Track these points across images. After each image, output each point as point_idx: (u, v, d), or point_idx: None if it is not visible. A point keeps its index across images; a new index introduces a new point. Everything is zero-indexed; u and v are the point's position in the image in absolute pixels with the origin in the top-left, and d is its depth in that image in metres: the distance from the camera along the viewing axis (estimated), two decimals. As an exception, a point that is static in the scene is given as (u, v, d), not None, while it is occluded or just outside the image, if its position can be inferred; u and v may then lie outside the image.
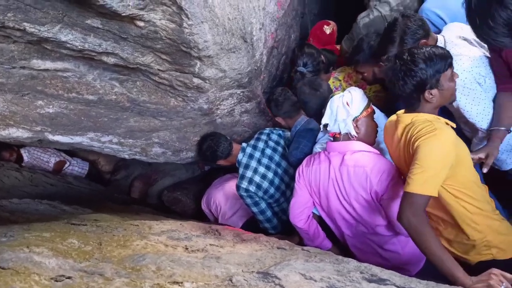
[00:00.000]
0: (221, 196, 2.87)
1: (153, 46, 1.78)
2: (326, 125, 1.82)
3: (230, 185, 2.85)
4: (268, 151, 2.62)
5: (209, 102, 2.34)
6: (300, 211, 1.95)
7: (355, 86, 2.58)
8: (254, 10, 2.13)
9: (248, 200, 2.52)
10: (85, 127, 2.26)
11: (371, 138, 1.82)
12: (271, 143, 2.66)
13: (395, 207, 1.65)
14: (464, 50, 1.88)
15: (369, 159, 1.72)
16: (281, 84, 3.11)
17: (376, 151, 1.81)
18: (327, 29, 2.85)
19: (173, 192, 3.55)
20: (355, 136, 1.76)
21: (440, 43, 1.96)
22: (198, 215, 3.27)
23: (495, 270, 1.32)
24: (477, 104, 1.84)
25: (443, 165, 1.45)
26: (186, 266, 1.23)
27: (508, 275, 1.31)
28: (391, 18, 2.45)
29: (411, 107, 1.63)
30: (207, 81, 2.12)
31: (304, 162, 1.94)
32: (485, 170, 1.77)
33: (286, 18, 2.85)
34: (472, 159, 1.69)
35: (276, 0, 2.58)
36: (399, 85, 1.56)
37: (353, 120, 1.75)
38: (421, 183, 1.42)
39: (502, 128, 1.83)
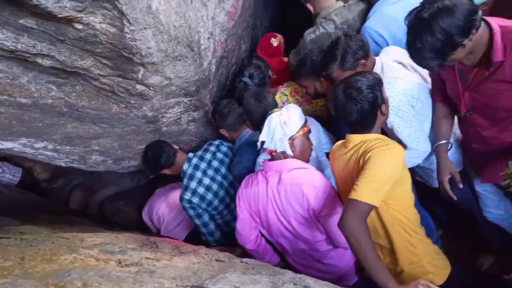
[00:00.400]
0: (164, 206, 2.79)
1: (93, 50, 1.70)
2: (263, 142, 1.83)
3: (174, 195, 2.78)
4: (215, 163, 2.60)
5: (154, 110, 2.29)
6: (247, 233, 1.95)
7: (302, 100, 2.64)
8: (202, 19, 2.12)
9: (191, 212, 2.47)
10: (16, 132, 2.10)
11: (305, 156, 1.86)
12: (219, 155, 2.64)
13: (333, 222, 1.69)
14: (399, 73, 1.98)
15: (305, 177, 1.75)
16: (230, 93, 3.11)
17: (312, 167, 1.85)
18: (274, 42, 2.90)
19: (116, 202, 3.40)
20: (291, 155, 1.79)
21: (378, 65, 2.06)
22: (142, 226, 3.15)
23: (422, 281, 1.40)
24: (409, 127, 1.93)
25: (390, 177, 1.51)
26: (115, 282, 1.17)
27: (433, 286, 1.39)
28: (335, 35, 2.55)
29: (363, 129, 1.68)
30: (151, 88, 2.07)
31: (243, 184, 1.94)
32: (461, 186, 1.88)
33: (236, 29, 2.87)
34: (444, 186, 1.84)
35: (227, 11, 2.59)
36: (357, 108, 1.61)
37: (289, 139, 1.77)
38: (370, 192, 1.45)
39: (443, 141, 1.96)
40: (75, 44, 1.66)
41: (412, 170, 2.23)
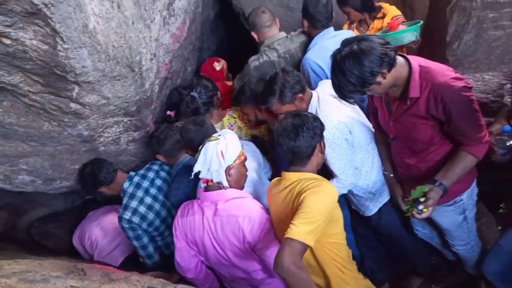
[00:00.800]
0: (98, 231, 2.64)
1: (22, 66, 1.62)
2: (198, 172, 1.77)
3: (109, 218, 2.66)
4: (158, 182, 2.54)
5: (90, 129, 2.21)
6: (187, 262, 1.89)
7: (250, 124, 2.66)
8: (144, 40, 2.11)
9: (130, 233, 2.38)
10: None
11: (241, 184, 1.83)
12: (162, 174, 2.58)
13: (269, 255, 1.69)
14: (334, 107, 2.07)
15: (241, 208, 1.72)
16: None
17: (249, 196, 1.83)
18: (217, 66, 2.93)
19: (46, 224, 3.16)
20: (227, 187, 1.75)
21: (314, 98, 2.14)
22: (75, 251, 2.96)
23: None
24: (340, 160, 2.02)
25: (325, 217, 1.53)
26: (30, 315, 1.09)
27: None
28: (278, 63, 2.64)
29: (300, 161, 1.71)
30: (87, 107, 2.00)
31: (179, 212, 1.89)
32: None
33: (182, 51, 2.89)
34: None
35: (172, 33, 2.59)
36: (302, 133, 1.65)
37: (226, 169, 1.73)
38: (306, 232, 1.45)
39: (386, 173, 2.16)
40: (2, 59, 1.58)
41: (347, 198, 2.32)
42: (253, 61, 2.66)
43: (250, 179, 2.04)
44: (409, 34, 2.57)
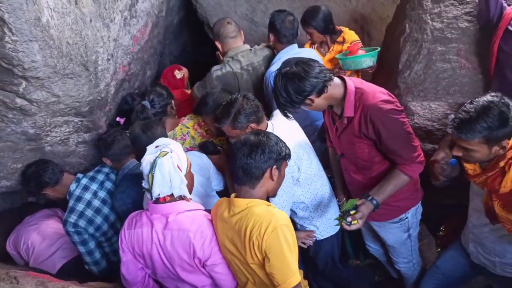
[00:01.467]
0: (36, 235, 2.49)
1: (-37, 54, 1.51)
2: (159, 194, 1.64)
3: (49, 223, 2.52)
4: (108, 185, 2.44)
5: (37, 127, 2.09)
6: (133, 276, 1.79)
7: (205, 134, 2.62)
8: (102, 40, 2.05)
9: (76, 238, 2.27)
10: None
11: (191, 190, 1.79)
12: (113, 177, 2.49)
13: (218, 271, 1.68)
14: (286, 138, 1.95)
15: (192, 222, 1.66)
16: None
17: (201, 207, 1.78)
18: (178, 74, 2.89)
19: (-21, 226, 2.93)
20: (190, 198, 1.69)
21: (269, 129, 2.06)
22: (11, 257, 2.75)
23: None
24: (280, 196, 1.90)
25: (293, 247, 1.54)
26: None
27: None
28: (241, 75, 2.65)
29: (248, 180, 1.61)
30: (34, 104, 1.89)
31: (126, 224, 1.79)
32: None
33: (142, 54, 2.83)
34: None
35: (132, 35, 2.54)
36: (253, 162, 1.57)
37: None
38: (293, 275, 1.49)
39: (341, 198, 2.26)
40: None
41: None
42: (216, 71, 2.65)
43: (196, 192, 1.98)
44: (367, 59, 2.69)
